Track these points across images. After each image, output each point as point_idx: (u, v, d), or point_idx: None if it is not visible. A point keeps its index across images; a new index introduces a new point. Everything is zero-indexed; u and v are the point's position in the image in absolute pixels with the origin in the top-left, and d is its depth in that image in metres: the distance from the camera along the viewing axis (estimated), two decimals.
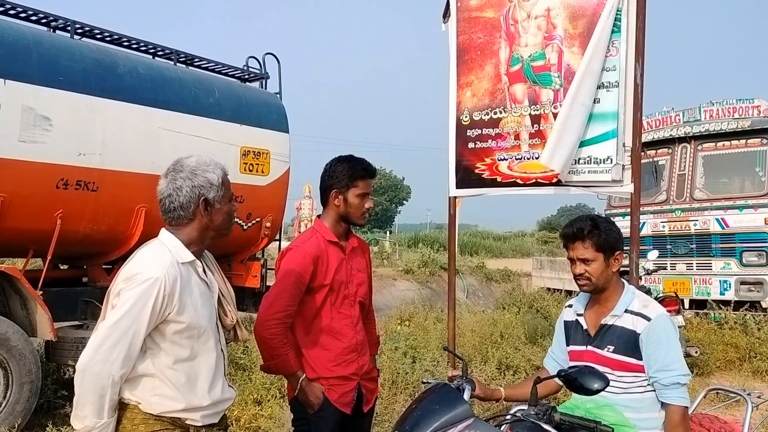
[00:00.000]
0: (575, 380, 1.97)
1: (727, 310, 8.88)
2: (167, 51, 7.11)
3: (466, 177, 5.37)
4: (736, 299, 9.09)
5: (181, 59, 7.22)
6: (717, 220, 9.47)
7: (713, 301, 9.18)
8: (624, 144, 4.71)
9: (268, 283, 7.28)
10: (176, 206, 2.13)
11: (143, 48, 7.04)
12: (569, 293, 12.14)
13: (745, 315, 8.54)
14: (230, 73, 7.67)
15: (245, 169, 6.92)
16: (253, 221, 7.09)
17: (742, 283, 9.09)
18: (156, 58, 7.15)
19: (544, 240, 43.01)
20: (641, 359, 2.39)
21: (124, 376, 2.01)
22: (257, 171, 7.08)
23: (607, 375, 2.13)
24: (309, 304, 2.80)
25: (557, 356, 2.77)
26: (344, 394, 2.80)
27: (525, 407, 2.17)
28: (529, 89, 5.07)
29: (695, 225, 9.64)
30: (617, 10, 4.74)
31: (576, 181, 4.81)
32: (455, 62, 5.47)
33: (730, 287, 9.18)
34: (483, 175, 5.28)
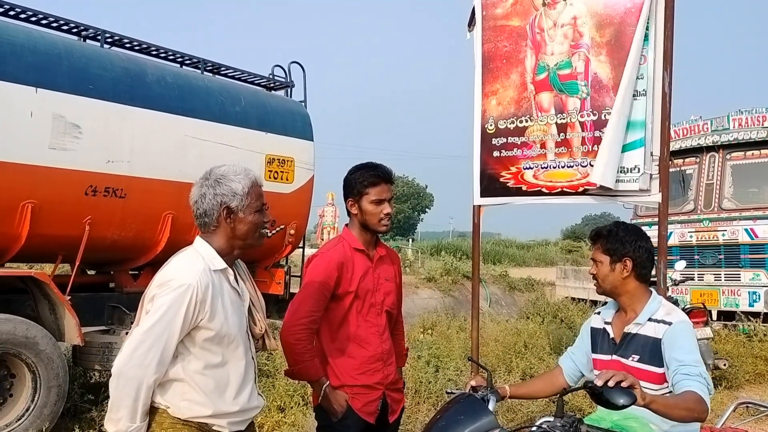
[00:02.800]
0: (601, 394, 1.94)
1: (757, 321, 8.71)
2: (194, 60, 7.20)
3: (491, 185, 5.36)
4: (765, 311, 8.92)
5: (208, 68, 7.30)
6: (746, 230, 9.32)
7: (742, 312, 9.01)
8: (652, 153, 4.67)
9: (291, 290, 7.31)
10: (201, 213, 2.19)
11: (171, 57, 7.13)
12: (594, 303, 12.00)
13: None
14: (256, 82, 7.74)
15: (270, 177, 6.96)
16: (278, 228, 7.12)
17: None
18: (183, 66, 7.24)
19: (568, 249, 42.58)
20: (662, 366, 2.36)
21: (157, 381, 2.03)
22: (282, 179, 7.12)
23: None
24: (335, 310, 2.80)
25: (576, 358, 2.74)
26: (368, 403, 2.79)
27: (551, 419, 2.14)
28: (556, 98, 5.05)
29: (723, 235, 9.49)
30: (647, 19, 4.71)
31: (605, 191, 4.78)
32: (480, 70, 5.46)
33: (759, 299, 9.01)
34: (508, 184, 5.26)
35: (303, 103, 7.82)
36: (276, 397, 5.29)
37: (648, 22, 4.68)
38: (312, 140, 7.59)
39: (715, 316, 9.24)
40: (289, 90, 7.87)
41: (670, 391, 2.34)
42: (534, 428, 2.12)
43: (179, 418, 2.06)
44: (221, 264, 2.15)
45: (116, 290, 6.63)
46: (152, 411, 2.08)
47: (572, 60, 4.99)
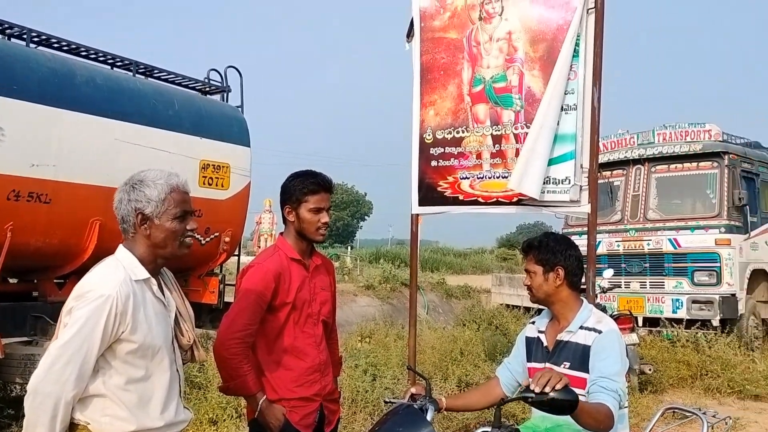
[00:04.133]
0: (542, 402, 1.97)
1: (680, 328, 9.09)
2: (126, 61, 7.00)
3: (429, 194, 5.41)
4: (687, 317, 9.32)
5: (140, 70, 7.10)
6: (670, 240, 9.73)
7: (666, 319, 9.39)
8: (582, 165, 4.80)
9: (226, 300, 7.17)
10: (119, 219, 2.14)
11: (101, 58, 6.91)
12: (527, 310, 12.28)
13: (697, 333, 8.76)
14: (190, 86, 7.59)
15: (204, 183, 6.83)
16: (212, 236, 6.99)
17: (694, 301, 9.33)
18: (114, 68, 7.03)
19: (503, 257, 43.43)
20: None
21: (76, 397, 1.95)
22: (217, 185, 6.99)
23: None
24: (271, 322, 2.75)
25: (513, 368, 2.79)
26: (306, 416, 2.75)
27: (489, 428, 2.17)
28: (491, 110, 5.15)
29: (648, 244, 9.88)
30: (577, 36, 4.86)
31: (537, 201, 4.89)
32: (419, 81, 5.52)
33: (682, 306, 9.42)
34: (445, 193, 5.32)
35: (240, 108, 7.71)
36: (208, 410, 5.16)
37: (578, 39, 4.84)
38: (249, 146, 7.48)
39: (641, 323, 9.60)
40: (225, 95, 7.75)
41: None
42: None
43: None
44: (143, 273, 2.08)
45: (40, 299, 6.34)
46: (72, 427, 1.99)
47: (507, 74, 5.10)
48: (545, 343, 2.60)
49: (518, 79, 5.05)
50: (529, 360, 2.68)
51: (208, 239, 6.90)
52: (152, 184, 2.11)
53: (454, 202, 5.33)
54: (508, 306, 15.01)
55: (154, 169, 2.18)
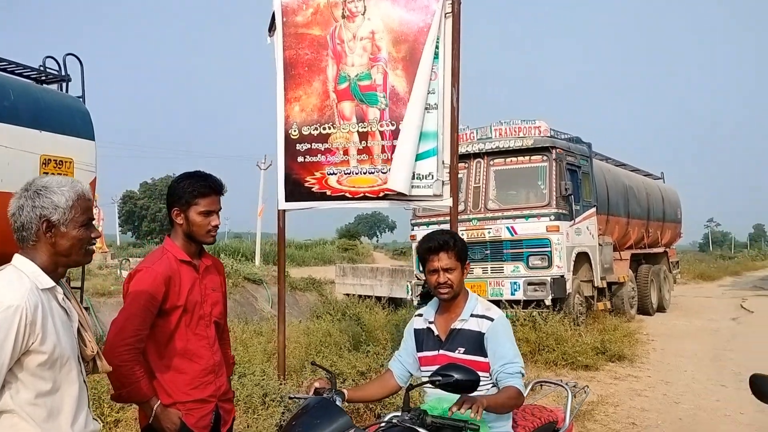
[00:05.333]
0: (447, 385, 2.15)
1: (518, 308, 9.89)
2: None
3: (296, 190, 5.46)
4: (524, 298, 10.15)
5: None
6: (507, 228, 10.52)
7: (506, 301, 10.15)
8: (443, 161, 5.13)
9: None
10: (18, 226, 2.00)
11: None
12: (378, 299, 12.68)
13: (533, 312, 9.58)
14: (24, 74, 6.92)
15: None
16: None
17: (529, 284, 10.18)
18: None
19: (344, 248, 44.18)
20: (487, 357, 2.65)
21: None
22: None
23: None
24: (162, 327, 2.66)
25: (404, 360, 2.92)
26: (202, 418, 2.71)
27: (399, 413, 2.30)
28: (357, 107, 5.31)
29: (489, 233, 10.61)
30: (437, 38, 5.14)
31: (402, 196, 5.13)
32: (282, 76, 5.53)
33: (519, 288, 10.23)
34: (313, 189, 5.41)
35: (81, 99, 7.17)
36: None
37: (438, 41, 5.13)
38: (93, 139, 6.97)
39: None
40: (65, 84, 7.16)
41: (490, 379, 2.63)
42: (383, 424, 2.25)
43: None
44: (49, 282, 1.97)
45: None
46: None
47: (372, 72, 5.28)
48: (437, 332, 2.76)
49: (383, 78, 5.25)
50: (420, 350, 2.83)
51: None
52: (58, 191, 1.99)
53: (322, 197, 5.44)
54: (350, 295, 15.36)
55: (53, 176, 2.06)
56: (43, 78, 7.07)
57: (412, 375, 2.90)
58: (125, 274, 13.86)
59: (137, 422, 4.69)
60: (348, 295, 17.64)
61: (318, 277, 21.02)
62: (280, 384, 5.29)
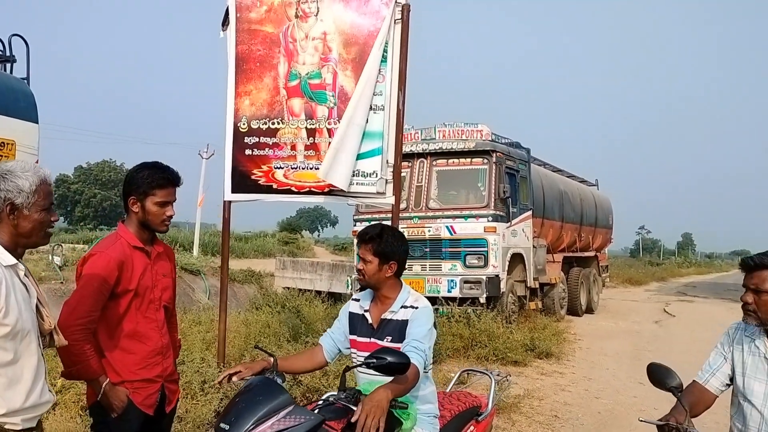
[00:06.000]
0: (378, 367, 2.36)
1: (454, 305, 10.21)
2: None
3: (243, 182, 5.59)
4: (460, 296, 10.48)
5: None
6: (447, 227, 10.83)
7: (443, 297, 10.46)
8: (387, 161, 5.35)
9: None
10: None
11: None
12: (318, 293, 12.81)
13: (468, 310, 9.92)
14: None
15: None
16: None
17: (465, 282, 10.51)
18: None
19: (285, 240, 43.93)
20: None
21: None
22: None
23: None
24: (113, 309, 2.78)
25: (335, 337, 3.07)
26: (148, 396, 2.84)
27: (335, 393, 2.49)
28: (306, 104, 5.48)
29: (429, 231, 10.89)
30: (385, 42, 5.35)
31: (346, 192, 5.33)
32: (234, 70, 5.65)
33: (456, 286, 10.56)
34: (259, 182, 5.55)
35: (26, 81, 7.08)
36: None
37: (386, 45, 5.34)
38: (37, 122, 6.91)
39: None
40: (10, 66, 7.05)
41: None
42: (321, 402, 2.44)
43: None
44: (11, 259, 2.08)
45: None
46: None
47: (322, 72, 5.46)
48: (370, 321, 2.95)
49: (332, 78, 5.44)
50: (352, 333, 3.00)
51: None
52: (22, 175, 2.11)
53: (268, 190, 5.58)
54: (288, 288, 15.37)
55: (17, 161, 2.18)
56: None
57: (340, 352, 3.08)
58: (57, 260, 13.52)
59: (76, 405, 4.76)
60: (287, 288, 17.65)
61: (257, 269, 20.88)
62: (219, 371, 5.40)
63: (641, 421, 2.55)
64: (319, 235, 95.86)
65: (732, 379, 2.59)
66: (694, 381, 2.67)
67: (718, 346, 2.68)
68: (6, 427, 2.02)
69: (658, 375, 2.51)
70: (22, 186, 2.12)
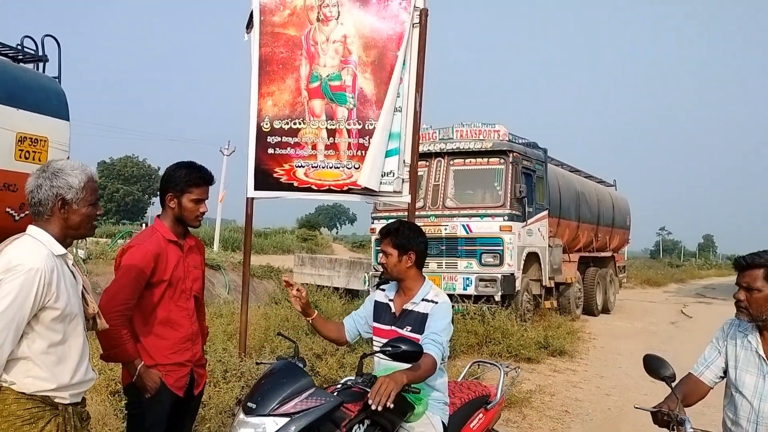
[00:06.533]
0: (394, 355, 2.55)
1: (469, 302, 10.38)
2: None
3: (265, 180, 5.80)
4: (475, 294, 10.65)
5: None
6: (463, 225, 11.00)
7: (458, 295, 10.62)
8: (404, 161, 5.53)
9: None
10: (36, 202, 2.33)
11: None
12: (336, 290, 13.02)
13: (483, 307, 10.08)
14: (2, 52, 7.06)
15: (21, 157, 6.46)
16: (26, 212, 6.65)
17: (481, 280, 10.68)
18: None
19: (304, 237, 44.32)
20: None
21: (5, 360, 2.13)
22: (34, 159, 6.63)
23: None
24: (148, 297, 3.01)
25: (357, 321, 3.29)
26: (179, 379, 3.07)
27: (353, 378, 2.69)
28: (327, 105, 5.68)
29: (446, 229, 11.06)
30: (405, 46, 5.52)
31: (365, 191, 5.52)
32: (257, 72, 5.86)
33: (471, 283, 10.73)
34: (281, 180, 5.76)
35: (57, 79, 7.34)
36: None
37: (406, 49, 5.52)
38: (68, 119, 7.15)
39: None
40: (42, 65, 7.32)
41: None
42: (339, 386, 2.64)
43: (23, 393, 2.18)
44: (61, 249, 2.30)
45: None
46: None
47: (342, 74, 5.65)
48: (393, 310, 3.15)
49: (352, 80, 5.63)
50: (376, 321, 3.21)
51: (22, 215, 6.56)
52: (72, 173, 2.34)
53: (289, 188, 5.79)
54: (306, 284, 15.60)
55: (66, 160, 2.40)
56: (20, 57, 7.23)
57: (360, 335, 3.28)
58: (81, 253, 13.92)
59: (106, 389, 5.00)
60: (306, 284, 17.91)
61: (276, 265, 21.17)
62: (241, 361, 5.63)
63: (637, 408, 2.72)
64: (337, 233, 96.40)
65: (725, 371, 2.74)
66: (689, 373, 2.83)
67: (713, 341, 2.83)
68: (56, 400, 2.25)
69: (653, 365, 2.67)
70: (71, 183, 2.34)
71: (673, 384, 2.62)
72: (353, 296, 13.97)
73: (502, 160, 11.13)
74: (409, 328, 3.03)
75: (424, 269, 3.24)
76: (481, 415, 3.34)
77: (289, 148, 5.75)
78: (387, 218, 11.35)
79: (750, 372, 2.63)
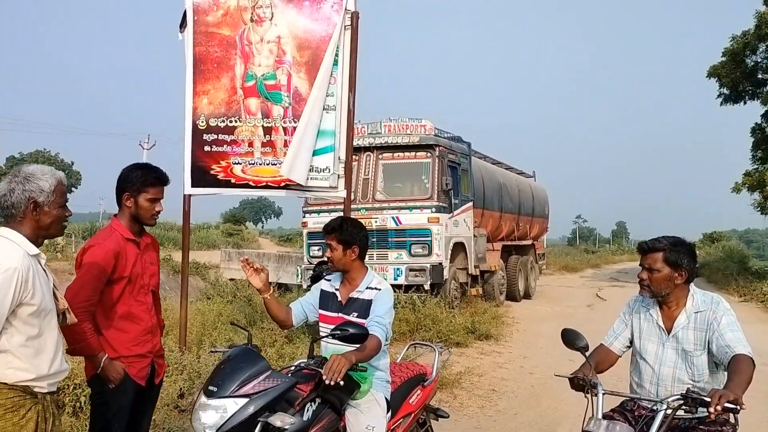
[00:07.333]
0: (343, 338, 2.81)
1: (400, 292, 10.70)
2: None
3: (202, 177, 5.92)
4: (406, 283, 11.01)
5: None
6: (393, 218, 11.33)
7: (390, 285, 10.90)
8: (339, 157, 5.78)
9: None
10: (8, 205, 2.47)
11: None
12: (270, 284, 13.05)
13: (413, 296, 10.45)
14: None
15: None
16: None
17: (411, 270, 11.05)
18: None
19: (229, 232, 43.70)
20: None
21: None
22: None
23: None
24: (109, 293, 3.15)
25: (305, 306, 3.48)
26: (141, 369, 3.23)
27: (305, 360, 2.92)
28: (262, 104, 5.85)
29: (376, 222, 11.35)
30: (336, 47, 5.77)
31: (302, 186, 5.74)
32: (192, 70, 5.96)
33: (402, 274, 11.08)
34: (218, 177, 5.90)
35: None
36: None
37: (338, 50, 5.76)
38: None
39: None
40: None
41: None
42: (293, 367, 2.87)
43: (5, 383, 2.31)
44: (35, 249, 2.45)
45: None
46: None
47: (277, 73, 5.83)
48: (339, 298, 3.40)
49: (287, 79, 5.82)
50: (323, 308, 3.43)
51: None
52: (42, 178, 2.48)
53: (227, 184, 5.94)
54: (234, 280, 15.56)
55: (35, 165, 2.55)
56: None
57: (307, 319, 3.50)
58: None
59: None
60: (233, 280, 17.81)
61: (202, 261, 20.89)
62: (182, 355, 5.74)
63: (557, 375, 3.08)
64: (263, 227, 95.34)
65: (631, 341, 3.16)
66: (601, 344, 3.24)
67: (621, 315, 3.25)
68: (35, 390, 2.40)
69: (569, 337, 3.05)
70: (43, 186, 2.49)
71: (587, 353, 3.00)
72: (285, 290, 14.09)
73: (429, 154, 11.52)
74: (356, 314, 3.29)
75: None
76: (419, 392, 3.64)
77: (225, 146, 5.88)
78: (318, 212, 11.57)
79: (652, 341, 3.04)
